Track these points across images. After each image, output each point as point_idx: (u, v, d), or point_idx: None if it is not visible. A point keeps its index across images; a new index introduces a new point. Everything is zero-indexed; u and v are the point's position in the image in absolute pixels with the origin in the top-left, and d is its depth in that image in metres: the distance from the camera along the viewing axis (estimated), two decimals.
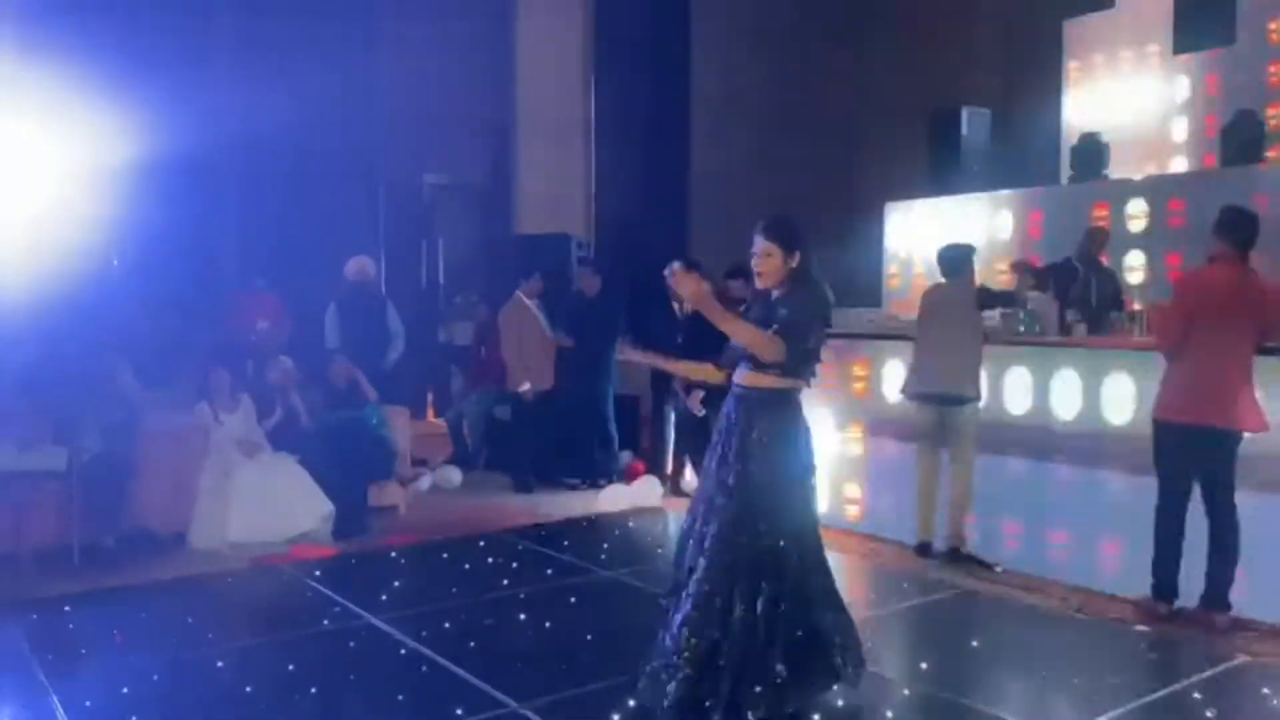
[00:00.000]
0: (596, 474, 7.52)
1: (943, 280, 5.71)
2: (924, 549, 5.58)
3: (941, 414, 5.48)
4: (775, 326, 3.33)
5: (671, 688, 3.28)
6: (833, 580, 3.57)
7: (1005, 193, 8.63)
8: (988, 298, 5.63)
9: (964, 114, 9.22)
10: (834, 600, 3.53)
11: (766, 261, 3.40)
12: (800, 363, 3.39)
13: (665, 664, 3.34)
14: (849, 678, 3.48)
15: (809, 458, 3.50)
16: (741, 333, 3.35)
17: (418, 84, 9.30)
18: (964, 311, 5.49)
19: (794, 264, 3.40)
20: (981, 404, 5.44)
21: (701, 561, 3.39)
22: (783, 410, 3.42)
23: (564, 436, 7.60)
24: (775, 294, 3.46)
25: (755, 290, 3.57)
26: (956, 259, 5.69)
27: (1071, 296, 6.39)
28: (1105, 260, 7.10)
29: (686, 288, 3.38)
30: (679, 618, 3.36)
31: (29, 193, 6.77)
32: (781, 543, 3.35)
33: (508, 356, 7.62)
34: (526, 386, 7.49)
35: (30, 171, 6.78)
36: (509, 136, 9.88)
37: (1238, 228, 4.49)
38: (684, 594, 3.42)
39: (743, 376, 3.47)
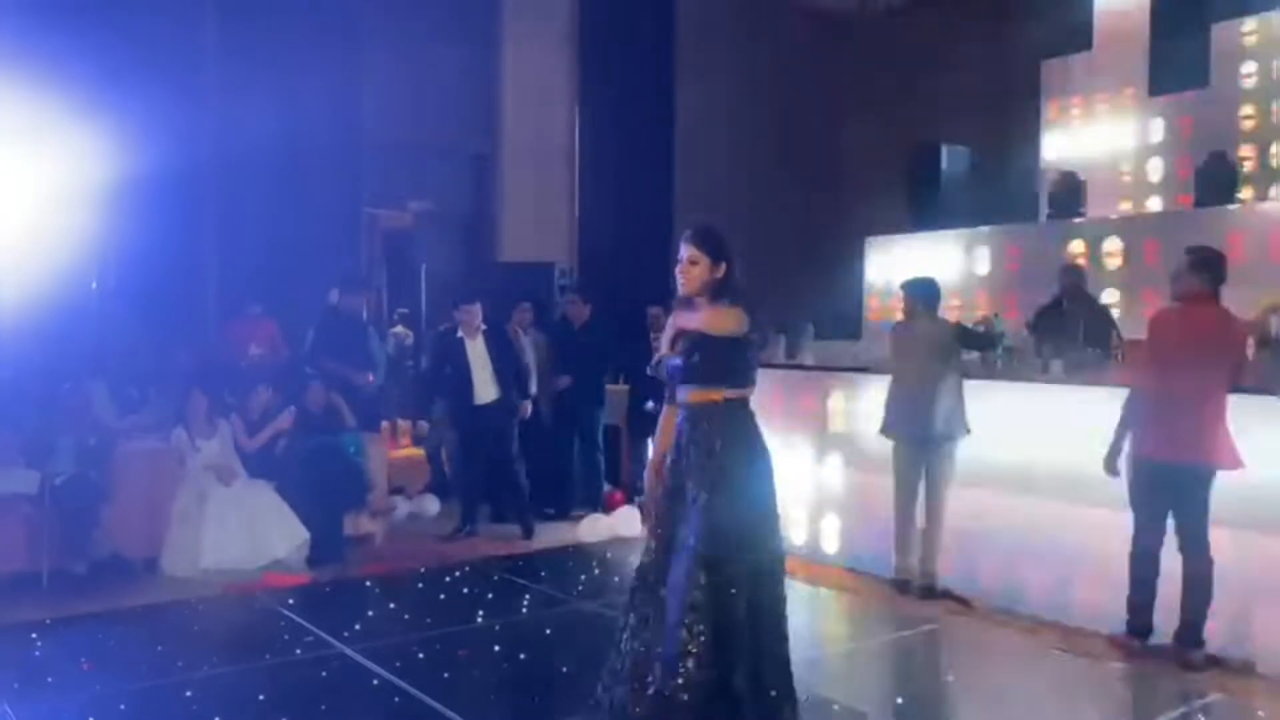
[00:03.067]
0: (575, 504, 7.49)
1: (914, 314, 5.67)
2: (902, 585, 5.57)
3: (921, 452, 5.50)
4: (698, 357, 3.31)
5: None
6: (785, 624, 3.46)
7: (983, 229, 8.73)
8: (966, 336, 5.65)
9: (943, 151, 9.33)
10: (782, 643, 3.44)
11: (691, 269, 3.37)
12: (729, 376, 3.34)
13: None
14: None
15: (770, 481, 3.40)
16: (700, 321, 3.31)
17: (401, 111, 9.34)
18: (944, 349, 5.47)
19: (719, 274, 3.38)
20: (963, 440, 5.46)
21: (671, 599, 3.31)
22: (739, 422, 3.37)
23: (548, 466, 7.55)
24: (698, 308, 3.41)
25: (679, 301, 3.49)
26: (931, 293, 5.66)
27: (1063, 334, 6.38)
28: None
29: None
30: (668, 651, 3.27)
31: (7, 213, 6.73)
32: (746, 572, 3.26)
33: None
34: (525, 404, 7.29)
35: (9, 192, 6.74)
36: (492, 164, 9.92)
37: (1208, 266, 4.55)
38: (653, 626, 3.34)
39: (689, 394, 3.41)
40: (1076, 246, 7.88)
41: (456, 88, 9.66)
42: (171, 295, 8.13)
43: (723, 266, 3.38)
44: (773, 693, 3.27)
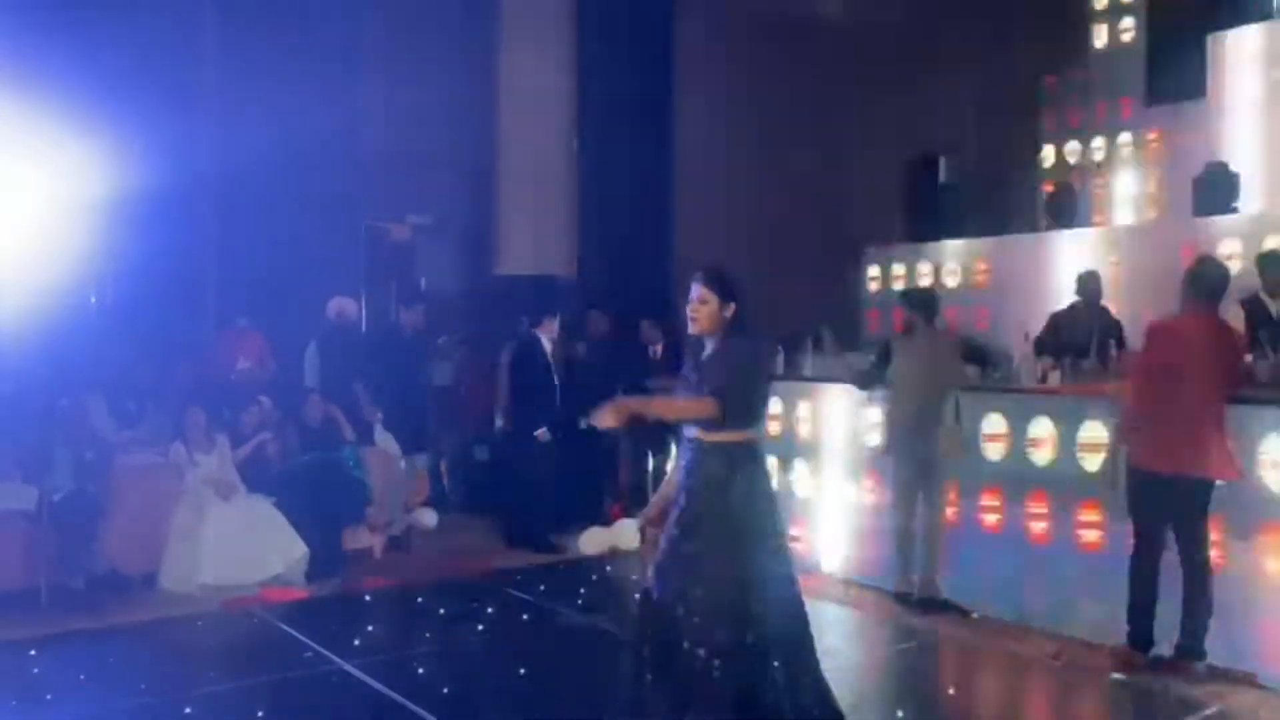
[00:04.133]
0: (582, 520, 7.40)
1: (913, 327, 5.63)
2: (903, 598, 5.56)
3: (922, 468, 5.47)
4: (708, 389, 3.33)
5: None
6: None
7: (982, 240, 8.75)
8: (970, 351, 5.61)
9: (942, 161, 9.36)
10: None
11: (702, 309, 3.45)
12: (742, 417, 3.36)
13: None
14: None
15: (773, 519, 3.42)
16: (676, 411, 3.43)
17: (400, 124, 9.36)
18: (946, 364, 5.44)
19: (728, 314, 3.44)
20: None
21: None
22: (739, 463, 3.37)
23: (562, 481, 7.48)
24: (709, 347, 3.49)
25: (689, 339, 3.59)
26: (930, 304, 5.66)
27: (1076, 341, 6.36)
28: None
29: (608, 419, 3.29)
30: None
31: (3, 228, 6.73)
32: (749, 639, 3.25)
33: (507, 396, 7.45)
34: (542, 430, 7.20)
35: (6, 207, 6.74)
36: (491, 176, 9.93)
37: (1206, 278, 4.56)
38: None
39: (694, 431, 3.46)
40: (1076, 256, 7.88)
41: (455, 99, 9.68)
42: (170, 309, 8.13)
43: (732, 306, 3.45)
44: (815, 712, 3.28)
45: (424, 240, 10.12)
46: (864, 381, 5.78)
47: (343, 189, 9.18)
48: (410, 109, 9.35)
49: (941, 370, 5.45)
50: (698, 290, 3.45)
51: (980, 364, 5.64)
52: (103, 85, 7.34)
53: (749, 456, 3.40)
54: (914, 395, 5.48)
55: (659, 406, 3.48)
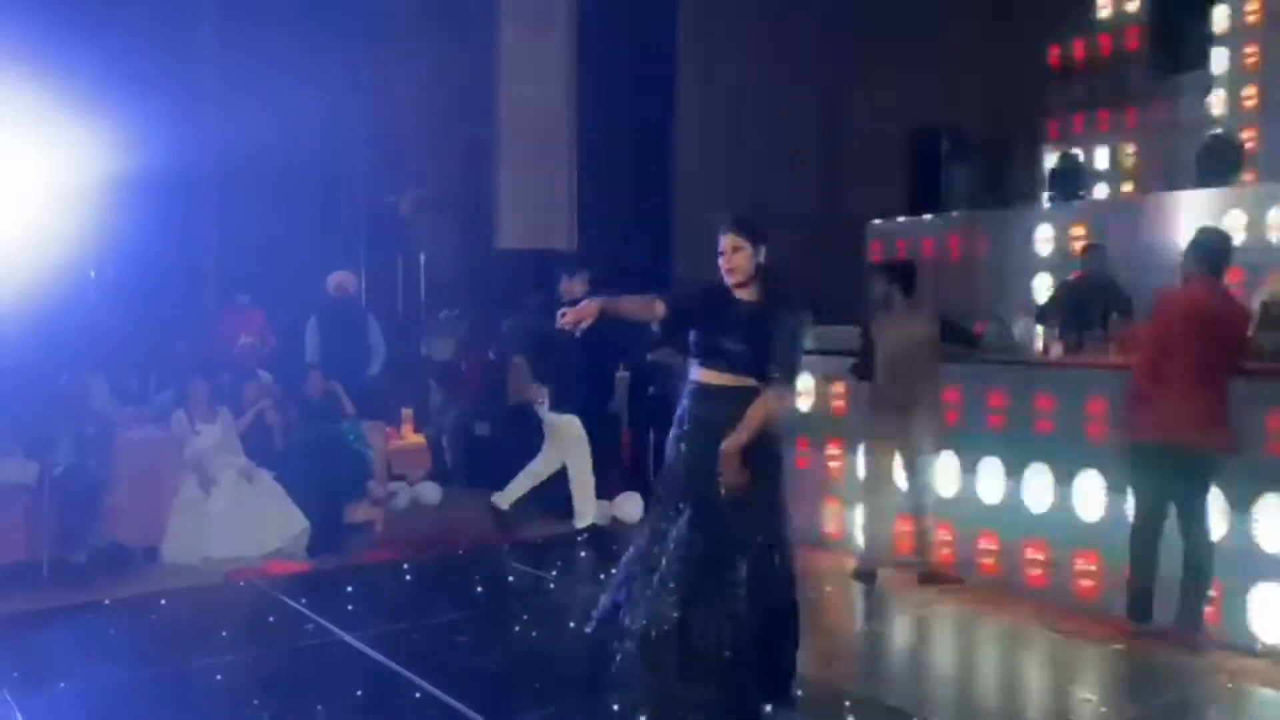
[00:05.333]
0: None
1: (891, 303, 5.53)
2: (868, 576, 5.46)
3: (903, 444, 5.44)
4: (771, 370, 3.39)
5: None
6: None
7: (985, 212, 8.69)
8: (947, 330, 5.46)
9: (944, 134, 9.29)
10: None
11: (735, 256, 3.46)
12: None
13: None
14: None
15: (781, 465, 3.55)
16: (761, 422, 3.41)
17: (399, 98, 9.31)
18: (926, 342, 5.36)
19: (761, 259, 3.45)
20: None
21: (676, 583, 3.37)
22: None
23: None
24: (746, 300, 3.48)
25: (711, 290, 3.56)
26: (910, 275, 5.54)
27: (1080, 314, 6.33)
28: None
29: (734, 481, 3.38)
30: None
31: (5, 206, 6.71)
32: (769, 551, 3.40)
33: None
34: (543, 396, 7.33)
35: (7, 185, 6.72)
36: (490, 151, 9.88)
37: (1212, 248, 4.53)
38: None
39: (704, 374, 3.48)
40: (1078, 229, 7.84)
41: (454, 73, 9.61)
42: (170, 286, 8.13)
43: (763, 250, 3.47)
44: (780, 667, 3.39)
45: (424, 215, 10.08)
46: (860, 371, 5.71)
47: (342, 164, 9.16)
48: (410, 83, 9.30)
49: (919, 345, 5.35)
50: (728, 239, 3.47)
51: (957, 342, 5.49)
52: (103, 63, 7.31)
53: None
54: (891, 370, 5.39)
55: (749, 430, 3.36)
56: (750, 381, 3.44)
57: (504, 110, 9.79)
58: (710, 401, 3.47)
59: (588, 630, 3.65)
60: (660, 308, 3.49)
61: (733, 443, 3.35)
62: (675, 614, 3.34)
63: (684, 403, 3.60)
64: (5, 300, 6.28)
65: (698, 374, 3.55)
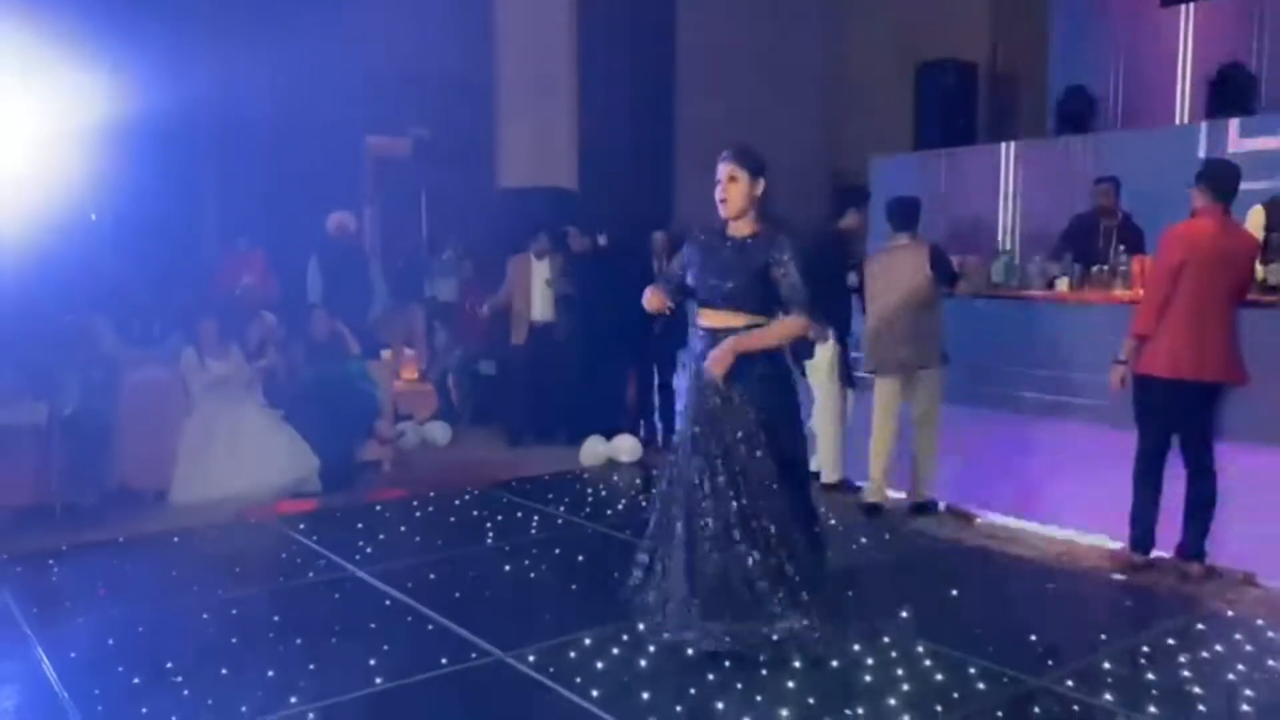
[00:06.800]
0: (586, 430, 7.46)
1: (891, 241, 5.54)
2: (874, 509, 5.56)
3: (906, 380, 5.48)
4: (795, 303, 3.39)
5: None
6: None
7: (989, 146, 8.58)
8: (937, 259, 5.40)
9: (950, 67, 9.13)
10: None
11: (733, 186, 3.41)
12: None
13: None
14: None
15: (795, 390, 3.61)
16: (775, 338, 3.45)
17: (398, 37, 9.15)
18: (916, 275, 5.34)
19: (758, 191, 3.41)
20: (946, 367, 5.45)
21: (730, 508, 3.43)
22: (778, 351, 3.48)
23: (570, 391, 7.56)
24: (740, 237, 3.45)
25: (704, 233, 3.55)
26: (908, 212, 5.51)
27: (1090, 248, 6.28)
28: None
29: (720, 369, 3.39)
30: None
31: (8, 152, 6.67)
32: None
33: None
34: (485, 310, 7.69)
35: (9, 131, 6.66)
36: (490, 89, 9.74)
37: (1220, 179, 4.48)
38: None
39: (708, 316, 3.48)
40: (1087, 163, 7.75)
41: (453, 11, 9.44)
42: (172, 229, 8.09)
43: (761, 183, 3.43)
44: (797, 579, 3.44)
45: (425, 155, 9.99)
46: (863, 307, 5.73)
47: (342, 105, 9.04)
48: (408, 22, 9.13)
49: (915, 283, 5.34)
50: (726, 168, 3.42)
51: (942, 274, 5.44)
52: (104, 9, 7.18)
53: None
54: (894, 310, 5.39)
55: (758, 339, 3.40)
56: (759, 319, 3.43)
57: (505, 49, 9.64)
58: (717, 343, 3.46)
59: (634, 576, 3.71)
60: (804, 324, 3.48)
61: (738, 342, 3.35)
62: (711, 543, 3.39)
63: (693, 346, 3.60)
64: (8, 244, 6.25)
65: (702, 317, 3.54)
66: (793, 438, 3.54)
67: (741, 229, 3.47)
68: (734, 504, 3.38)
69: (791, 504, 3.44)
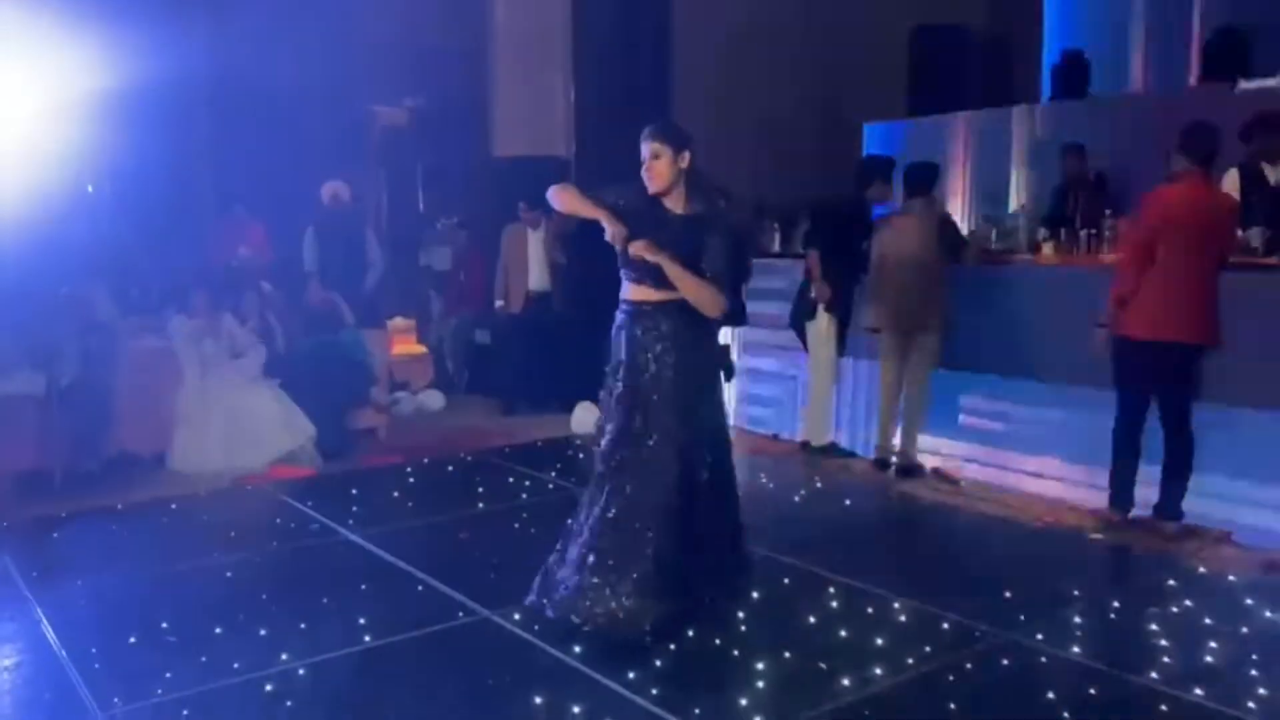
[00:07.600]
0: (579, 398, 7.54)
1: (904, 204, 5.63)
2: (882, 464, 5.73)
3: (907, 339, 5.56)
4: (708, 273, 3.36)
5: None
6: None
7: (984, 112, 8.57)
8: (945, 230, 5.51)
9: (944, 32, 9.09)
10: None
11: (655, 164, 3.41)
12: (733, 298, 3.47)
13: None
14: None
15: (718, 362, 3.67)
16: (688, 284, 3.36)
17: (393, 5, 9.12)
18: (923, 240, 5.42)
19: (684, 164, 3.42)
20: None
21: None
22: (699, 325, 3.47)
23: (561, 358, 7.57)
24: (677, 210, 3.45)
25: (639, 199, 3.48)
26: (925, 177, 5.60)
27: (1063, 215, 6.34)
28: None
29: (643, 250, 3.32)
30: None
31: (5, 122, 6.70)
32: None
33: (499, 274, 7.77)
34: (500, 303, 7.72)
35: (6, 101, 6.70)
36: (486, 57, 9.72)
37: (1200, 143, 4.50)
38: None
39: (635, 291, 3.48)
40: (1082, 129, 7.73)
41: None
42: (167, 197, 8.12)
43: (686, 155, 3.42)
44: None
45: (420, 124, 9.99)
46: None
47: (337, 74, 9.02)
48: None
49: (923, 248, 5.42)
50: (648, 146, 3.42)
51: (947, 244, 5.51)
52: None
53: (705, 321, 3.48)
54: (902, 273, 5.47)
55: (676, 269, 3.32)
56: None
57: (499, 16, 9.60)
58: (646, 320, 3.45)
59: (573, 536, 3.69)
60: (722, 301, 3.43)
61: (669, 258, 3.33)
62: (648, 500, 3.46)
63: (620, 320, 3.56)
64: (5, 215, 6.30)
65: (629, 291, 3.51)
66: (713, 413, 3.59)
67: (675, 204, 3.47)
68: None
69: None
